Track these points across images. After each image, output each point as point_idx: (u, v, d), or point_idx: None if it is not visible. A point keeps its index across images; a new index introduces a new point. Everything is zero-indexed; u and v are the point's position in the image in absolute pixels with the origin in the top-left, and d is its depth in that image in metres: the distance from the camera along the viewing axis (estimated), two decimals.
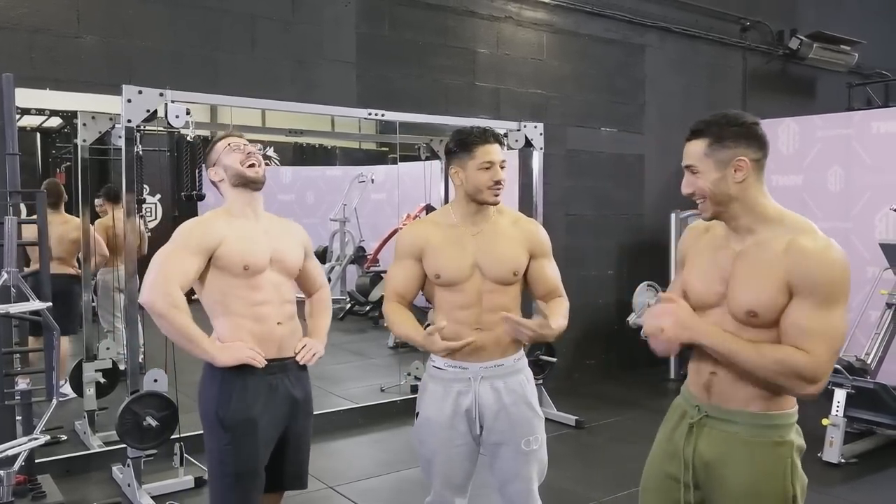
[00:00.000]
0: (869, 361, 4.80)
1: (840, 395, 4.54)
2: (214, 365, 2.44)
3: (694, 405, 2.00)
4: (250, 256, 2.48)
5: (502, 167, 2.51)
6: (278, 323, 2.53)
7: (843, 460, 4.48)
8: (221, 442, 2.46)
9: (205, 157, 2.69)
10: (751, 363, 1.82)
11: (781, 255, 1.81)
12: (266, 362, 2.48)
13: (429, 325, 2.54)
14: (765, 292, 1.82)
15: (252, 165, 2.54)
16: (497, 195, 2.51)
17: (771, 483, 1.89)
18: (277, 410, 2.52)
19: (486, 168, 2.47)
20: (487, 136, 2.51)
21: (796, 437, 1.93)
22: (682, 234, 2.22)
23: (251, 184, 2.55)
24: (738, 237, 1.93)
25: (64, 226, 5.33)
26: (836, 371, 4.57)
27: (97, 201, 5.81)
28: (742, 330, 1.87)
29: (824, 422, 4.54)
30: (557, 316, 2.46)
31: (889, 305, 4.94)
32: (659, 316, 1.93)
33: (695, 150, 1.91)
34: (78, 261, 5.24)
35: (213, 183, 2.65)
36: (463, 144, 2.50)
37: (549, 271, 2.62)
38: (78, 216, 5.06)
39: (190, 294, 2.43)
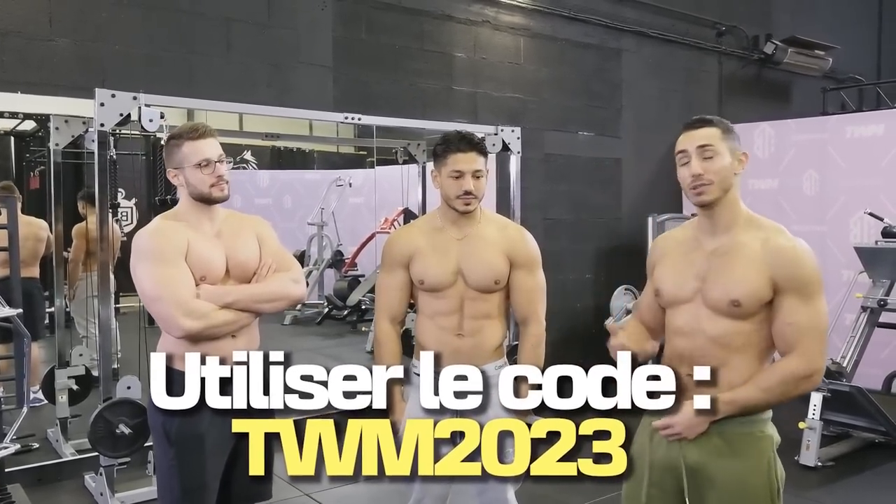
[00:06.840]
0: (845, 365, 4.82)
1: (816, 399, 4.56)
2: None
3: None
4: (206, 266, 2.32)
5: (477, 177, 2.43)
6: (232, 336, 2.35)
7: (819, 463, 4.51)
8: (167, 456, 2.34)
9: (165, 152, 2.39)
10: (764, 403, 1.92)
11: (760, 252, 1.91)
12: None
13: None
14: (750, 283, 1.90)
15: (221, 189, 2.35)
16: (468, 204, 2.45)
17: (757, 478, 1.95)
18: (226, 425, 2.15)
19: (455, 177, 2.42)
20: (461, 144, 2.43)
21: (773, 431, 1.98)
22: (651, 247, 2.25)
23: (215, 202, 2.38)
24: (712, 237, 1.99)
25: (26, 228, 5.19)
26: None
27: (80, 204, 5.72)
28: (717, 321, 1.94)
29: (801, 425, 4.56)
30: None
31: (864, 309, 4.96)
32: (671, 431, 1.98)
33: (711, 133, 1.95)
34: (50, 264, 5.14)
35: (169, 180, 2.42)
36: (439, 150, 2.46)
37: (527, 285, 2.53)
38: (52, 221, 4.96)
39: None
